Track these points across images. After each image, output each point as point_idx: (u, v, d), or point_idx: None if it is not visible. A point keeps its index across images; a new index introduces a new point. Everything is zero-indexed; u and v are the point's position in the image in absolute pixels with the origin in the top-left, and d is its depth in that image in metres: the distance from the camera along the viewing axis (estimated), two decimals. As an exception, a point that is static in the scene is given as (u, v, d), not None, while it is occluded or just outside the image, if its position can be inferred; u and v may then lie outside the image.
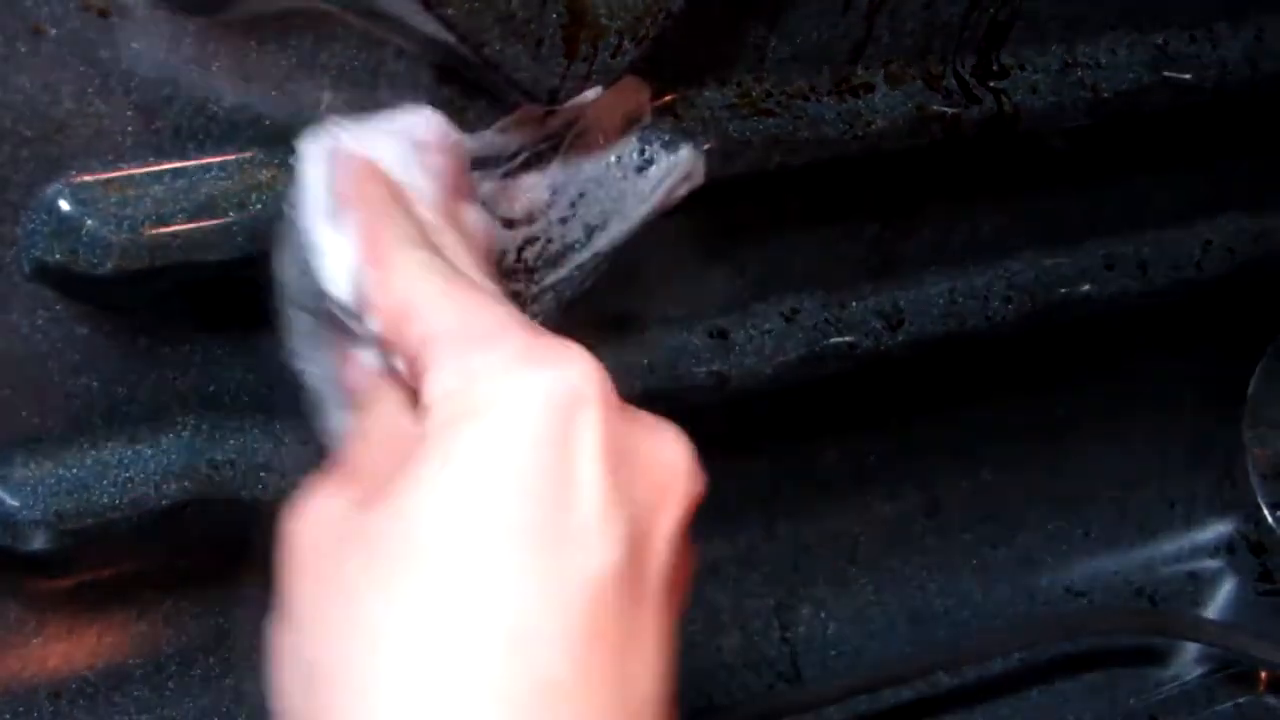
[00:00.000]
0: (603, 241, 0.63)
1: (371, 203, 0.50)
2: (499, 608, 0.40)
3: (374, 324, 0.47)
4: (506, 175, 0.61)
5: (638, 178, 0.63)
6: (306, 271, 0.51)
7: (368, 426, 0.49)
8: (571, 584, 0.41)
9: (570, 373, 0.42)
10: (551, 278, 0.63)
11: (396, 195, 0.51)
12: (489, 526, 0.41)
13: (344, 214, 0.50)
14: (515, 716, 0.39)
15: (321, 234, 0.51)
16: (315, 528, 0.44)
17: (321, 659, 0.42)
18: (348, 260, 0.49)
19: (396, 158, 0.53)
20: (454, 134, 0.56)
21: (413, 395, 0.46)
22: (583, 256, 0.63)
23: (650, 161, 0.62)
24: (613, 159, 0.62)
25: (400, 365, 0.47)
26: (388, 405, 0.48)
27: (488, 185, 0.60)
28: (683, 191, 0.64)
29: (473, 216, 0.56)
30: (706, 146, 0.64)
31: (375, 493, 0.43)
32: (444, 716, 0.39)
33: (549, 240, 0.62)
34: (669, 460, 0.43)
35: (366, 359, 0.50)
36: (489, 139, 0.60)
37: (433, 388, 0.44)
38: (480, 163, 0.60)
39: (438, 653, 0.40)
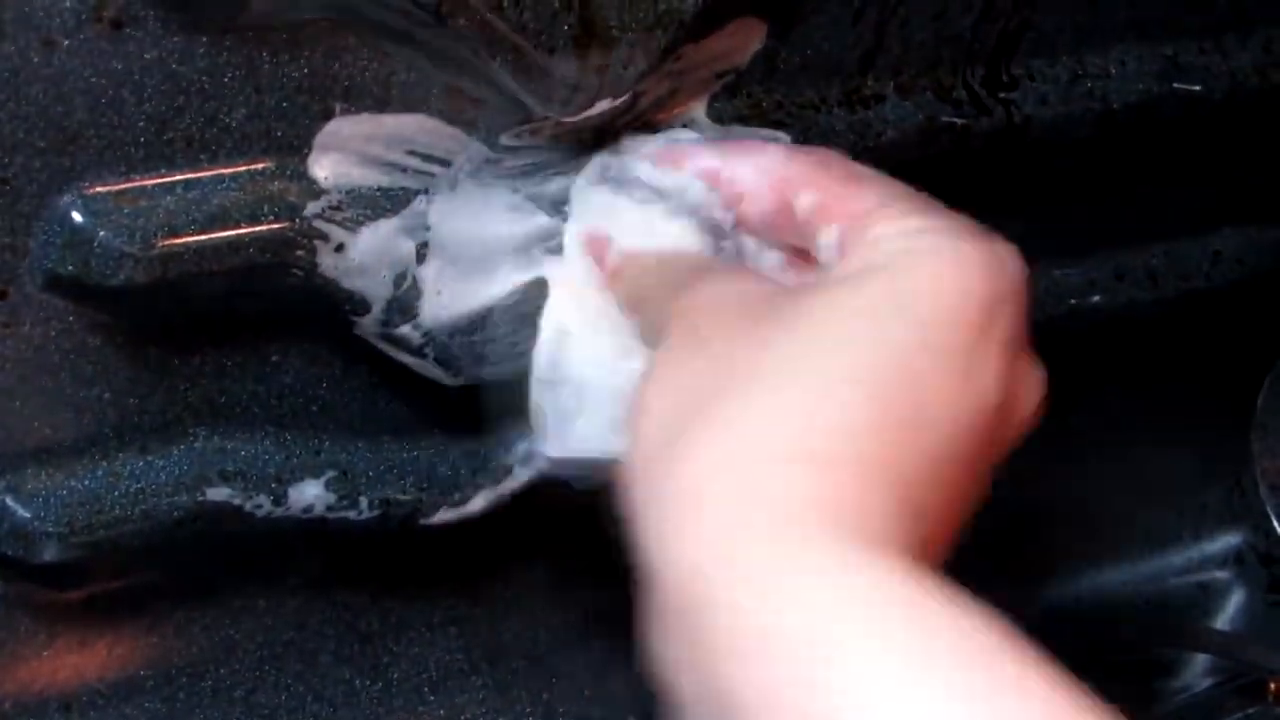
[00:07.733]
0: None
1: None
2: (910, 395, 0.46)
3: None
4: None
5: None
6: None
7: (701, 301, 0.52)
8: (967, 403, 0.47)
9: (1011, 256, 0.49)
10: None
11: None
12: (932, 332, 0.47)
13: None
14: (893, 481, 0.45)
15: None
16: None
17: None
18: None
19: None
20: None
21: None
22: None
23: None
24: None
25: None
26: (725, 278, 0.54)
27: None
28: None
29: None
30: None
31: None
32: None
33: None
34: (1035, 375, 0.51)
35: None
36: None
37: (878, 232, 0.50)
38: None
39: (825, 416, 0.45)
